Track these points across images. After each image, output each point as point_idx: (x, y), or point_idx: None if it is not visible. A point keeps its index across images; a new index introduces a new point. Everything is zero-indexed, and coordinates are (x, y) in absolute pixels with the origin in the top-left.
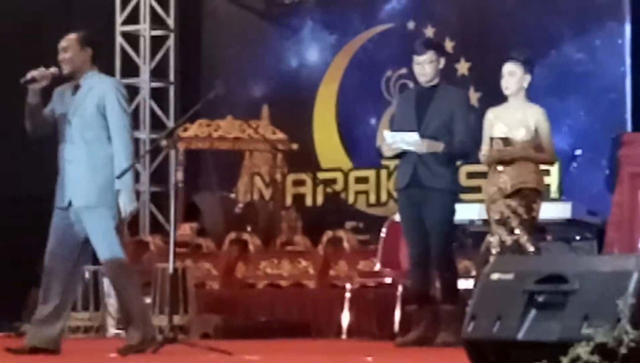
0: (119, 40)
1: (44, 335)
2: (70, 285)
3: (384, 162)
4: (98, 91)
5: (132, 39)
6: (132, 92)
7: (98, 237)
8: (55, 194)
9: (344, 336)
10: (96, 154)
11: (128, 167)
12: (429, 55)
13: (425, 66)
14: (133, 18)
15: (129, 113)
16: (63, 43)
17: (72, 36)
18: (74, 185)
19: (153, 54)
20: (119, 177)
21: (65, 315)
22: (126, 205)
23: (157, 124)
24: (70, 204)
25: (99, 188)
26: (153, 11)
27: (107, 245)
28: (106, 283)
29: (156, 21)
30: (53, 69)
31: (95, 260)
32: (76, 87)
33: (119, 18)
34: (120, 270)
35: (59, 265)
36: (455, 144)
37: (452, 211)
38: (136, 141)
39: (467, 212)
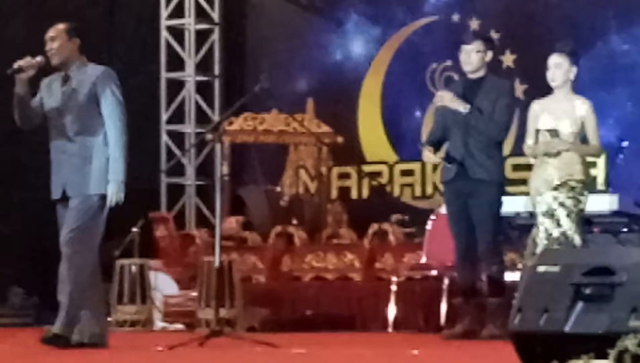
0: (164, 34)
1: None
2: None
3: (427, 160)
4: (89, 80)
5: (177, 33)
6: (178, 86)
7: (69, 222)
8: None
9: (390, 329)
10: (89, 145)
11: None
12: (476, 44)
13: (471, 55)
14: (178, 12)
15: (122, 102)
16: (51, 33)
17: (60, 26)
18: (67, 176)
19: (198, 48)
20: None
21: None
22: (113, 195)
23: (202, 118)
24: (64, 195)
25: (93, 178)
26: (198, 5)
27: (73, 233)
28: (153, 277)
29: (201, 15)
30: (39, 58)
31: (141, 254)
32: (65, 79)
33: (164, 12)
34: (76, 265)
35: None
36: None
37: (499, 204)
38: (181, 135)
39: (513, 204)
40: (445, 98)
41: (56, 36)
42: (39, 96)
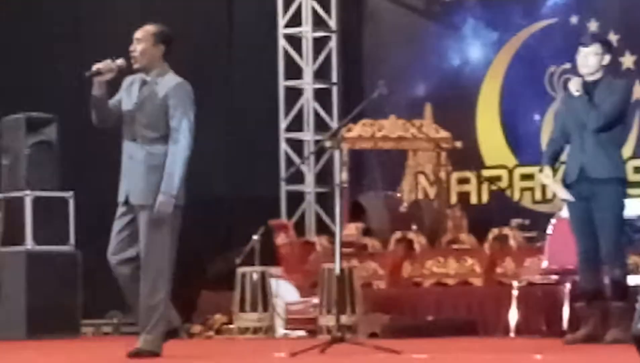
0: (282, 42)
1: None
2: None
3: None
4: (164, 89)
5: (295, 41)
6: (296, 94)
7: (144, 237)
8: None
9: (512, 334)
10: (155, 153)
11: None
12: (595, 47)
13: (589, 58)
14: (295, 20)
15: (192, 118)
16: (138, 34)
17: (148, 28)
18: (131, 182)
19: (316, 55)
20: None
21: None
22: (160, 206)
23: (320, 125)
24: (127, 200)
25: (155, 187)
26: (315, 13)
27: (150, 247)
28: (274, 284)
29: (318, 23)
30: (120, 61)
31: (262, 262)
32: (143, 82)
33: (282, 21)
34: (156, 275)
35: (119, 260)
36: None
37: (621, 206)
38: (300, 143)
39: (635, 207)
40: (572, 84)
41: (142, 39)
42: (119, 95)
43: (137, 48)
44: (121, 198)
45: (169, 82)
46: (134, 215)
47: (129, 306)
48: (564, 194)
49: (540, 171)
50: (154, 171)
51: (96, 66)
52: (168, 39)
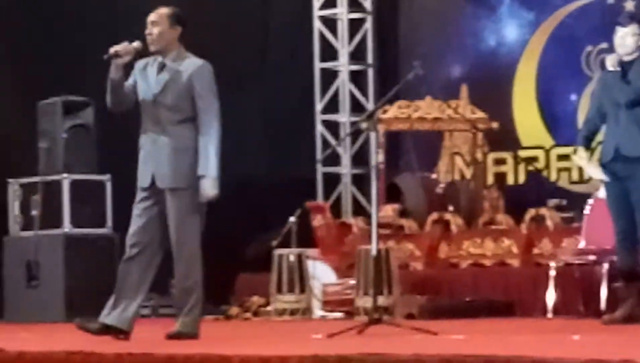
0: (317, 24)
1: (117, 314)
2: (151, 266)
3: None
4: (188, 72)
5: (330, 23)
6: (331, 75)
7: (176, 220)
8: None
9: (549, 315)
10: (182, 137)
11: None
12: (632, 27)
13: (626, 38)
14: (330, 2)
15: (218, 97)
16: (152, 17)
17: (163, 11)
18: (157, 166)
19: (351, 37)
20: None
21: (143, 292)
22: (206, 191)
23: (356, 107)
24: (152, 184)
25: (183, 170)
26: None
27: (182, 229)
28: (311, 266)
29: (353, 4)
30: (136, 44)
31: (299, 243)
32: (162, 66)
33: (317, 3)
34: (190, 258)
35: (137, 245)
36: None
37: None
38: (336, 125)
39: None
40: (609, 59)
41: (158, 21)
42: (132, 79)
43: (153, 31)
44: (144, 183)
45: (191, 63)
46: (156, 200)
47: (115, 299)
48: (597, 174)
49: (575, 152)
50: (182, 154)
51: (114, 48)
52: (183, 21)
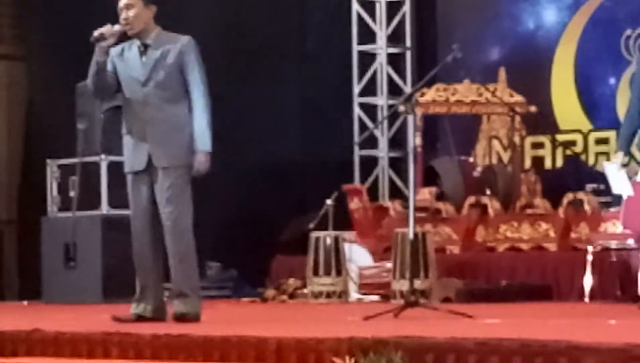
0: (355, 7)
1: (149, 305)
2: (160, 246)
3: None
4: (176, 49)
5: (368, 5)
6: (369, 58)
7: (170, 196)
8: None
9: (586, 299)
10: (176, 113)
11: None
12: None
13: None
14: None
15: (205, 72)
16: (124, 0)
17: None
18: (153, 146)
19: (389, 19)
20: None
21: (161, 273)
22: (200, 165)
23: (394, 89)
24: (149, 165)
25: (181, 147)
26: None
27: (177, 205)
28: (347, 249)
29: None
30: (118, 27)
31: (335, 226)
32: (144, 47)
33: None
34: (185, 232)
35: (142, 230)
36: None
37: None
38: (374, 107)
39: None
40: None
41: (131, 4)
42: (110, 65)
43: (129, 14)
44: (138, 166)
45: (177, 40)
46: (149, 181)
47: (142, 287)
48: (624, 189)
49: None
50: (177, 132)
51: (99, 31)
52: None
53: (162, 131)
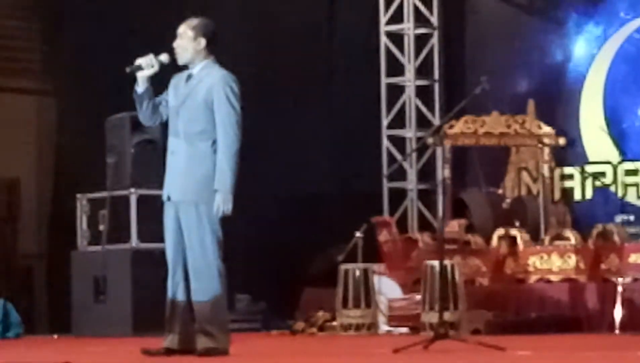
0: (384, 40)
1: (177, 337)
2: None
3: None
4: (207, 83)
5: (397, 38)
6: (398, 91)
7: (189, 233)
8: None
9: (617, 331)
10: (197, 148)
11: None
12: None
13: None
14: (397, 17)
15: (238, 110)
16: (179, 29)
17: (189, 22)
18: (173, 178)
19: (417, 52)
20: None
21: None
22: (220, 206)
23: (422, 122)
24: (169, 197)
25: (197, 183)
26: (416, 10)
27: (196, 243)
28: (376, 281)
29: (420, 20)
30: (163, 57)
31: (364, 258)
32: (189, 77)
33: (383, 18)
34: (206, 271)
35: (172, 256)
36: None
37: None
38: (402, 140)
39: None
40: None
41: (182, 33)
42: (166, 93)
43: (178, 44)
44: (165, 196)
45: (213, 75)
46: (177, 213)
47: (170, 326)
48: None
49: None
50: (196, 167)
51: (137, 61)
52: (209, 32)
53: (181, 164)
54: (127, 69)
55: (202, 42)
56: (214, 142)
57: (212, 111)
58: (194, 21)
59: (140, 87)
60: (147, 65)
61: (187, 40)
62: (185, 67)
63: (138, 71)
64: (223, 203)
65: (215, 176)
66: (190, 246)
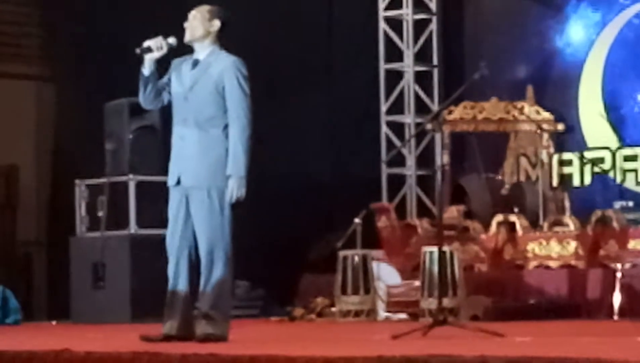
0: (382, 25)
1: (176, 323)
2: (193, 266)
3: None
4: (217, 68)
5: (395, 23)
6: (396, 77)
7: (200, 219)
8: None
9: (615, 317)
10: (209, 134)
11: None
12: None
13: None
14: (395, 3)
15: (248, 94)
16: (193, 11)
17: (205, 6)
18: (183, 163)
19: (416, 38)
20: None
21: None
22: (234, 191)
23: (421, 108)
24: (178, 182)
25: (209, 168)
26: None
27: (208, 229)
28: (375, 267)
29: (418, 5)
30: (171, 40)
31: (363, 244)
32: (195, 62)
33: (382, 3)
34: (218, 258)
35: (177, 244)
36: None
37: None
38: (401, 126)
39: None
40: None
41: (196, 13)
42: (168, 76)
43: (189, 24)
44: (172, 182)
45: (223, 60)
46: (184, 198)
47: (170, 314)
48: None
49: None
50: (208, 152)
51: (146, 43)
52: (223, 18)
53: (192, 151)
54: (137, 50)
55: (217, 24)
56: (225, 127)
57: (223, 96)
58: (209, 6)
59: (147, 69)
60: (156, 47)
61: (201, 19)
62: (187, 52)
63: (147, 53)
64: (237, 188)
65: (227, 162)
66: (200, 231)
